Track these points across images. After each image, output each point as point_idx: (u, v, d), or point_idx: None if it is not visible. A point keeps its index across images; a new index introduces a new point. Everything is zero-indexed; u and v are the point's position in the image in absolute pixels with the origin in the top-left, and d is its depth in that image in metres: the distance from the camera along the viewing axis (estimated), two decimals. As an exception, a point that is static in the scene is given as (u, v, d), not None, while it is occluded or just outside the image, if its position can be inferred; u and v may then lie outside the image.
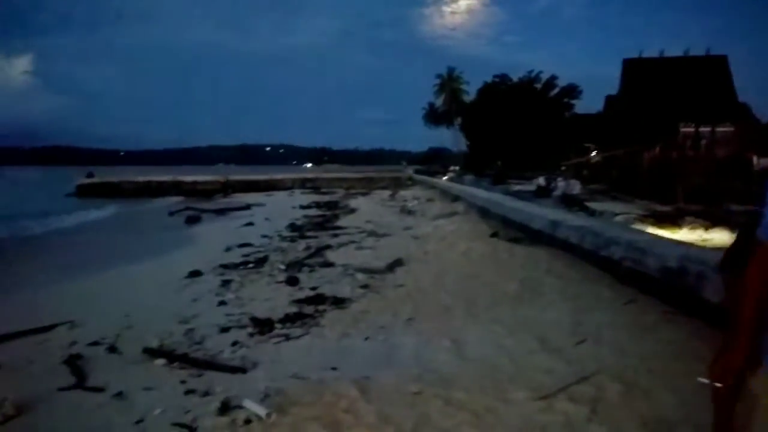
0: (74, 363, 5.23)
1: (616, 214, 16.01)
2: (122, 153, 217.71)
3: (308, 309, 7.04)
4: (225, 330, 6.29)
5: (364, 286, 8.16)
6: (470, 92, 61.50)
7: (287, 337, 5.89)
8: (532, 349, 4.93)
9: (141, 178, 43.69)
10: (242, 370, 4.90)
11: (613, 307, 6.06)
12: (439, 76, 67.16)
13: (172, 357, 5.29)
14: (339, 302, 7.30)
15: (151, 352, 5.45)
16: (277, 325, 6.34)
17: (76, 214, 24.91)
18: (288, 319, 6.56)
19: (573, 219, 10.12)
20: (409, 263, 9.53)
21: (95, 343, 5.94)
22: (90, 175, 44.30)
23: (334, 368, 4.82)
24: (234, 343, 5.74)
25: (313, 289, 8.21)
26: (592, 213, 14.84)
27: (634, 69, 35.18)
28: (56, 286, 10.20)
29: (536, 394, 3.95)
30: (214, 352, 5.53)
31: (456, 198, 19.94)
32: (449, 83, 66.56)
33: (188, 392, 4.48)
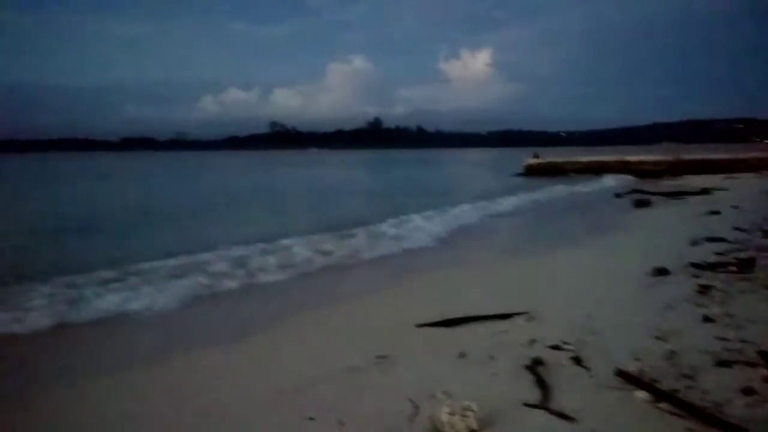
0: (537, 371, 4.52)
1: None
2: (563, 134, 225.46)
3: None
4: (724, 364, 4.56)
5: None
6: None
7: (842, 403, 3.76)
8: None
9: (584, 158, 43.41)
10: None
11: None
12: None
13: (657, 393, 3.97)
14: None
15: (628, 377, 4.27)
16: (815, 375, 4.22)
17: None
18: (831, 368, 4.32)
19: None
20: None
21: (556, 347, 5.16)
22: (535, 156, 46.64)
23: None
24: (747, 391, 3.99)
25: None
26: None
27: None
28: (501, 265, 10.27)
29: None
30: (717, 398, 3.93)
31: None
32: None
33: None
